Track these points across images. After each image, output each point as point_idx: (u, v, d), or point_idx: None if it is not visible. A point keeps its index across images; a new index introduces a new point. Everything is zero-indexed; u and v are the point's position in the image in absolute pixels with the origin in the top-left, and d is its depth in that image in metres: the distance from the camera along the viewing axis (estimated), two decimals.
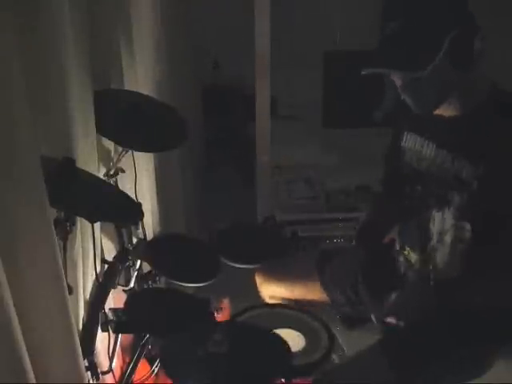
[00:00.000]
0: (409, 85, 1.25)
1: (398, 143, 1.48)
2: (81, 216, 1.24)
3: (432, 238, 1.39)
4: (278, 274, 1.70)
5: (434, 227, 1.38)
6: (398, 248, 1.52)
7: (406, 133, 1.46)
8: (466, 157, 1.26)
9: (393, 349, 1.32)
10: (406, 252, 1.48)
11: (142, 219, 1.67)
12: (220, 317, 1.79)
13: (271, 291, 1.70)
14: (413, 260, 1.46)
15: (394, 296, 1.38)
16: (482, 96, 1.27)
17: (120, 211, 1.35)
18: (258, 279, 1.73)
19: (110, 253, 1.66)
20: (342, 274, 1.58)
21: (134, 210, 1.41)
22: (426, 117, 1.32)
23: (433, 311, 1.31)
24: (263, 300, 1.73)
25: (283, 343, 1.25)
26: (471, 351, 1.34)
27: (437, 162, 1.34)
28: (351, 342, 1.59)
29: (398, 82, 1.26)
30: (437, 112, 1.31)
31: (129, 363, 1.62)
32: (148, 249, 1.72)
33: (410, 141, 1.44)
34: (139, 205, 1.49)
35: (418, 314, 1.31)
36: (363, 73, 1.21)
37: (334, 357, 1.51)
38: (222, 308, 1.87)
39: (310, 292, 1.65)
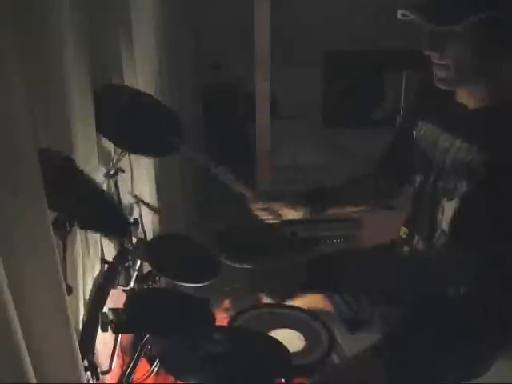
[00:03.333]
0: (439, 41, 1.21)
1: (410, 132, 1.48)
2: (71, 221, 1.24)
3: (439, 227, 1.38)
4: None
5: (443, 216, 1.37)
6: (405, 237, 1.52)
7: (420, 122, 1.45)
8: (479, 148, 1.26)
9: (390, 350, 1.32)
10: (414, 241, 1.48)
11: (127, 235, 1.66)
12: (219, 317, 1.79)
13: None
14: (420, 248, 1.45)
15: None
16: (510, 93, 1.26)
17: (106, 224, 1.35)
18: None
19: (110, 253, 1.66)
20: (341, 278, 1.59)
21: (120, 226, 1.41)
22: (446, 105, 1.31)
23: (432, 311, 1.31)
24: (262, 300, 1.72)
25: (282, 345, 1.25)
26: (470, 351, 1.34)
27: (451, 151, 1.34)
28: (351, 342, 1.59)
29: (428, 39, 1.23)
30: (461, 101, 1.30)
31: (129, 363, 1.62)
32: (148, 249, 1.72)
33: (426, 130, 1.43)
34: (127, 221, 1.49)
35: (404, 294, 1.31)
36: (398, 15, 1.19)
37: (334, 357, 1.51)
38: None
39: (309, 296, 1.65)
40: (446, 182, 1.35)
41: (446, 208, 1.36)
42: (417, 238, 1.47)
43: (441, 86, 1.27)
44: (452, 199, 1.34)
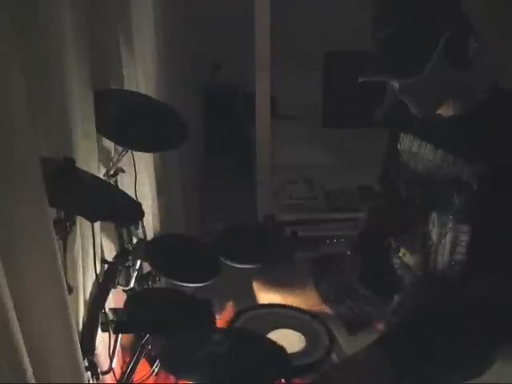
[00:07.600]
0: (407, 88, 1.24)
1: (394, 146, 1.48)
2: (81, 215, 1.24)
3: (431, 240, 1.39)
4: (275, 282, 1.70)
5: (434, 229, 1.37)
6: (394, 251, 1.52)
7: (402, 135, 1.45)
8: (464, 157, 1.26)
9: (392, 349, 1.32)
10: (401, 254, 1.48)
11: (142, 219, 1.67)
12: (221, 317, 1.79)
13: (269, 300, 1.69)
14: (410, 263, 1.45)
15: (396, 299, 1.38)
16: (481, 95, 1.27)
17: (120, 211, 1.35)
18: (256, 287, 1.73)
19: (110, 253, 1.66)
20: (338, 283, 1.59)
21: (134, 210, 1.40)
22: (426, 118, 1.31)
23: (433, 312, 1.31)
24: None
25: (281, 348, 1.25)
26: (471, 351, 1.34)
27: (435, 163, 1.34)
28: (351, 342, 1.59)
29: (396, 85, 1.26)
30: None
31: (129, 363, 1.62)
32: (148, 249, 1.72)
33: (407, 143, 1.43)
34: (139, 204, 1.49)
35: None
36: (360, 80, 1.21)
37: (334, 357, 1.51)
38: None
39: (309, 300, 1.65)
40: (434, 195, 1.35)
41: (436, 220, 1.37)
42: (403, 250, 1.47)
43: (420, 114, 1.29)
44: (444, 211, 1.34)
